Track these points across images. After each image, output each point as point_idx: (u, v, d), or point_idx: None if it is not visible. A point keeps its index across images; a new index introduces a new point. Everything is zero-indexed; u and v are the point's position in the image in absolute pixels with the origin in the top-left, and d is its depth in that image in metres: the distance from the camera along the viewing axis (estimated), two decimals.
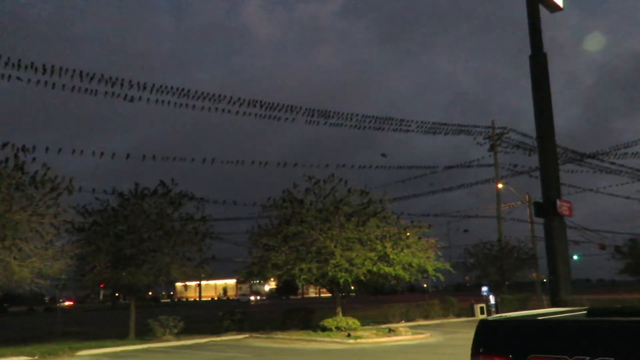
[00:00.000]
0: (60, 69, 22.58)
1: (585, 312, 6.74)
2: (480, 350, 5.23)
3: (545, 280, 40.86)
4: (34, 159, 19.56)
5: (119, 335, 24.83)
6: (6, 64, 20.97)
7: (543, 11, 36.28)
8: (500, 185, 45.50)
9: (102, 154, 25.97)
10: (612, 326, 4.96)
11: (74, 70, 22.94)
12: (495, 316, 5.91)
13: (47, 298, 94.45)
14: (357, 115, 32.16)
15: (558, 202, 32.25)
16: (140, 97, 25.04)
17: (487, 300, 33.95)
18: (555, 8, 37.48)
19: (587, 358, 4.68)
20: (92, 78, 23.34)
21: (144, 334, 24.33)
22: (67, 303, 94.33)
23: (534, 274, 46.13)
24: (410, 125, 35.91)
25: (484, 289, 37.79)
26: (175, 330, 24.27)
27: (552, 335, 5.04)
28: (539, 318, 5.54)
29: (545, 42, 34.80)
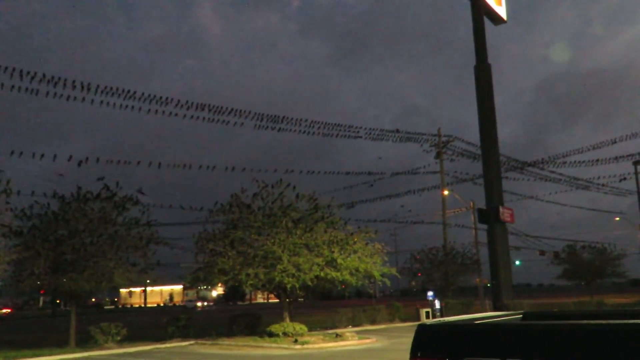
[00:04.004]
0: None
1: (521, 316, 6.96)
2: (418, 354, 5.33)
3: (488, 284, 41.92)
4: None
5: (59, 343, 24.03)
6: None
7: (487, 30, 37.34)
8: (445, 192, 46.49)
9: (42, 155, 25.23)
10: (544, 329, 5.14)
11: (13, 69, 22.22)
12: (433, 320, 6.03)
13: None
14: (305, 120, 32.36)
15: (500, 209, 33.22)
16: (84, 99, 24.47)
17: (432, 305, 34.54)
18: (499, 20, 38.71)
19: None
20: (32, 77, 22.66)
21: (85, 341, 23.62)
22: (4, 310, 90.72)
23: (478, 279, 47.28)
24: (358, 132, 36.33)
25: (430, 293, 38.46)
26: (118, 338, 23.66)
27: (487, 338, 5.18)
28: (475, 322, 5.69)
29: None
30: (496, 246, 32.84)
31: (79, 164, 24.19)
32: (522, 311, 7.28)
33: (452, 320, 6.04)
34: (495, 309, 30.11)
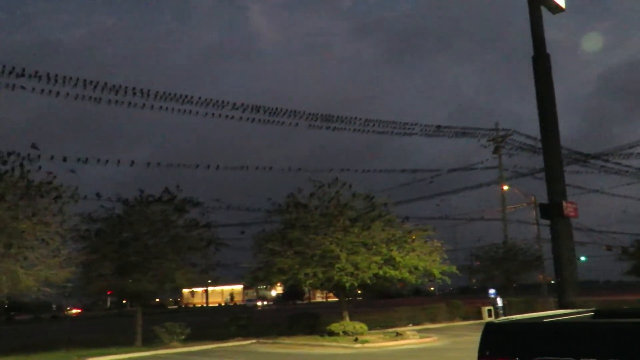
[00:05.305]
0: (64, 77, 22.73)
1: (592, 314, 6.71)
2: (487, 354, 5.21)
3: (552, 282, 40.68)
4: (39, 167, 19.68)
5: (126, 342, 24.82)
6: (10, 72, 21.13)
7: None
8: (505, 187, 45.43)
9: (107, 161, 26.11)
10: (618, 328, 4.93)
11: (77, 79, 23.08)
12: (501, 319, 5.89)
13: (54, 306, 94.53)
14: (360, 119, 32.20)
15: (564, 204, 32.12)
16: (144, 105, 25.17)
17: (494, 303, 33.80)
18: (557, 9, 37.44)
19: None
20: (95, 86, 23.46)
21: (151, 340, 24.32)
22: (74, 311, 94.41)
23: (541, 276, 45.97)
24: (413, 129, 35.91)
25: (491, 291, 37.62)
26: (182, 337, 24.26)
27: (558, 337, 5.02)
28: (545, 320, 5.51)
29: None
30: (560, 242, 31.77)
31: (148, 165, 24.84)
32: (593, 309, 7.01)
33: (521, 318, 5.88)
34: (561, 306, 29.15)
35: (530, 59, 35.05)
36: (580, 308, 9.49)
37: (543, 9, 36.11)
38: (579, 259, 45.34)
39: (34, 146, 19.53)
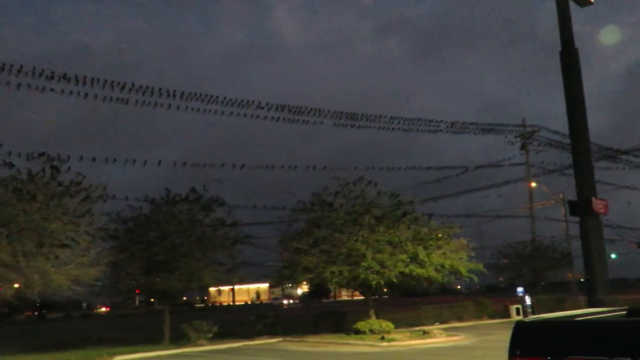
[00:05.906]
0: (92, 79, 23.05)
1: (625, 312, 6.58)
2: (518, 353, 5.15)
3: (581, 280, 40.04)
4: (69, 168, 20.00)
5: (154, 340, 25.12)
6: (40, 75, 21.51)
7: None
8: (532, 184, 44.85)
9: (134, 161, 26.41)
10: None
11: (105, 80, 23.38)
12: (532, 317, 5.81)
13: (84, 304, 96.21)
14: (385, 116, 32.02)
15: (593, 200, 31.52)
16: (170, 105, 25.40)
17: (522, 301, 33.38)
18: (585, 2, 36.72)
19: (628, 359, 4.57)
20: (122, 87, 23.74)
21: (178, 338, 24.57)
22: (103, 309, 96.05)
23: (570, 274, 45.29)
24: (439, 126, 35.60)
25: (520, 289, 37.17)
26: (209, 335, 24.48)
27: (591, 336, 4.93)
28: (577, 319, 5.42)
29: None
30: (589, 239, 31.17)
31: (174, 164, 25.09)
32: (626, 307, 6.88)
33: (552, 317, 5.79)
34: (591, 305, 28.65)
35: (558, 54, 34.47)
36: (610, 306, 9.31)
37: (570, 2, 35.47)
38: (609, 256, 44.50)
39: None
